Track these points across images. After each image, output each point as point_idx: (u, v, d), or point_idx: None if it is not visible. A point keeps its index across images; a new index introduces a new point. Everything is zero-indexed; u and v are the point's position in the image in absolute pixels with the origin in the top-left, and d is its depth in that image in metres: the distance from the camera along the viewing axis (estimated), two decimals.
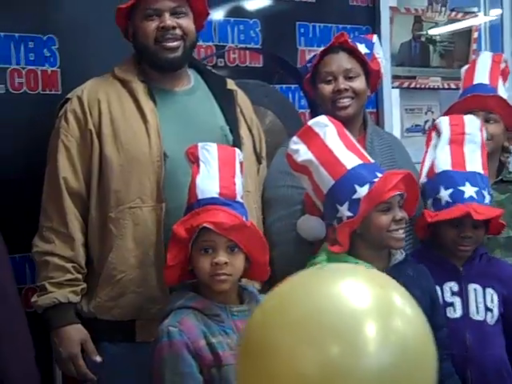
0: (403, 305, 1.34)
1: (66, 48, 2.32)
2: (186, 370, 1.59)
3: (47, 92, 2.30)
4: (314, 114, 2.66)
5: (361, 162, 1.77)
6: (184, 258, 1.70)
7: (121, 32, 2.03)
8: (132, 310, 1.89)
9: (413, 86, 3.35)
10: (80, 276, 1.91)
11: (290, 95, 2.85)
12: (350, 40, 2.14)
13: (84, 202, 1.92)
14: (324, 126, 1.82)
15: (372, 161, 1.82)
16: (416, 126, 3.56)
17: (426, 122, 3.47)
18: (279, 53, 2.72)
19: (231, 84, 2.15)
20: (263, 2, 2.82)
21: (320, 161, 1.77)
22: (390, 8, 3.11)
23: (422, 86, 3.38)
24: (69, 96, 1.99)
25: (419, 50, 3.32)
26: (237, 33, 2.73)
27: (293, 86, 2.83)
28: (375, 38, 2.24)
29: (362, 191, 1.72)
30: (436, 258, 1.97)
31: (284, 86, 2.81)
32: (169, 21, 1.91)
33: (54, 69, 2.31)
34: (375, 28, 3.02)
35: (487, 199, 1.92)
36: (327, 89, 2.11)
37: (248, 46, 2.74)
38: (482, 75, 2.26)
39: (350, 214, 1.72)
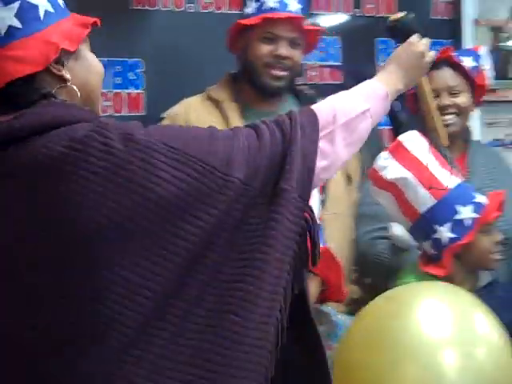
0: (487, 332, 1.35)
1: (150, 71, 2.38)
2: None
3: (132, 114, 2.38)
4: (395, 131, 2.63)
5: (459, 180, 1.73)
6: None
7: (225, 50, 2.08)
8: None
9: (493, 99, 3.24)
10: None
11: None
12: (454, 54, 2.10)
13: None
14: (416, 142, 1.79)
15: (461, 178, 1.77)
16: (496, 140, 3.47)
17: (506, 135, 3.36)
18: (358, 70, 2.70)
19: None
20: (342, 18, 2.81)
21: (418, 179, 1.72)
22: (473, 20, 3.04)
23: (503, 99, 3.28)
24: (163, 115, 2.03)
25: (499, 62, 3.23)
26: (316, 50, 2.73)
27: None
28: (482, 49, 2.17)
29: (465, 212, 1.67)
30: None
31: None
32: (284, 50, 1.94)
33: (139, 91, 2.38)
34: (457, 41, 2.95)
35: None
36: None
37: (328, 63, 2.74)
38: None
39: (452, 235, 1.68)
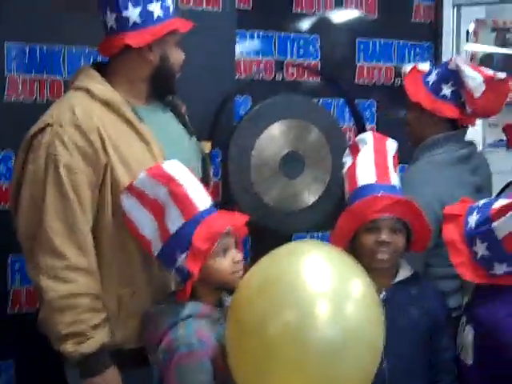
0: (361, 291, 1.51)
1: None
2: (207, 378, 1.61)
3: None
4: (358, 128, 2.66)
5: (371, 181, 1.78)
6: None
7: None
8: None
9: None
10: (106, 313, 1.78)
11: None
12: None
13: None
14: (364, 143, 1.88)
15: (394, 184, 1.81)
16: (499, 140, 3.48)
17: None
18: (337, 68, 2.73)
19: None
20: (321, 19, 2.80)
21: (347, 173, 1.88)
22: (476, 21, 3.05)
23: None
24: (49, 122, 1.74)
25: (503, 63, 3.23)
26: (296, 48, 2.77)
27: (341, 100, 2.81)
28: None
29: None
30: None
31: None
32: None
33: None
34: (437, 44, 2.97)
35: None
36: None
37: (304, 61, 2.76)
38: None
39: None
